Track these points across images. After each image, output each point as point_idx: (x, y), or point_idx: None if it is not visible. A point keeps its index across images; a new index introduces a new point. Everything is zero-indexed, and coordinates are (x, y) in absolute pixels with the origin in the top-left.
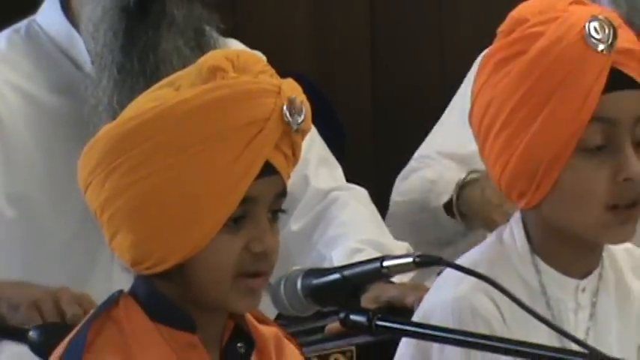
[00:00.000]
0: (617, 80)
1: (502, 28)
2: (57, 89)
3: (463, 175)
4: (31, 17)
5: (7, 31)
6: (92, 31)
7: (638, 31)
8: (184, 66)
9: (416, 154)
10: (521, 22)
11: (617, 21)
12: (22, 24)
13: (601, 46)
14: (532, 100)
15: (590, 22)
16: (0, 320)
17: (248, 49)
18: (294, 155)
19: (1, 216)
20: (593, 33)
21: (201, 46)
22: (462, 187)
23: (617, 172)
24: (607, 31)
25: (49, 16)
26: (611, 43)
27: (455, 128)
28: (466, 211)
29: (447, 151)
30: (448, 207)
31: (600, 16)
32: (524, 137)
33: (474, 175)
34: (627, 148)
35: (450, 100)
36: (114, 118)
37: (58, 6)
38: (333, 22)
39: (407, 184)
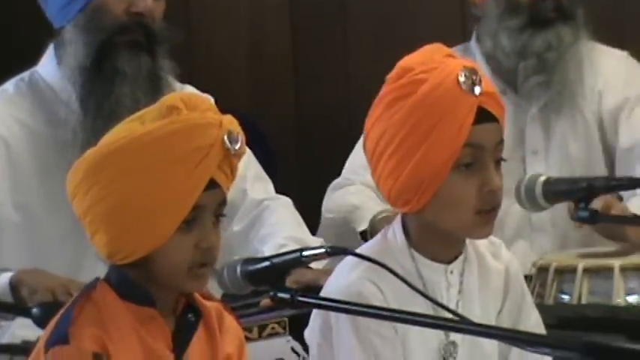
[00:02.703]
0: (482, 116)
1: (391, 75)
2: (51, 123)
3: (379, 209)
4: (33, 69)
5: (14, 79)
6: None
7: (499, 64)
8: (139, 108)
9: (345, 168)
10: (408, 71)
11: (481, 71)
12: (26, 73)
13: (470, 90)
14: (418, 131)
15: (462, 71)
16: (21, 301)
17: (199, 93)
18: (232, 173)
19: (10, 220)
20: (464, 80)
21: (156, 90)
22: (374, 222)
23: (483, 185)
24: (474, 78)
25: (47, 67)
26: (478, 87)
27: None
28: None
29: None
30: (364, 233)
31: (469, 67)
32: (412, 159)
33: (385, 214)
34: (490, 166)
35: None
36: (83, 147)
37: (54, 60)
38: (263, 63)
39: (335, 202)
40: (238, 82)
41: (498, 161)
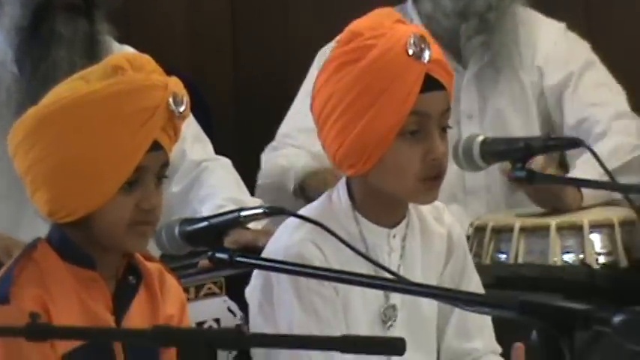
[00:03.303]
0: (429, 84)
1: (340, 38)
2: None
3: (304, 164)
4: None
5: None
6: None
7: (438, 26)
8: (75, 72)
9: (278, 132)
10: (357, 35)
11: (430, 38)
12: None
13: (419, 57)
14: (365, 97)
15: (411, 38)
16: None
17: (138, 53)
18: (175, 135)
19: None
20: (413, 47)
21: (93, 54)
22: (303, 176)
23: (428, 153)
24: (423, 45)
25: None
26: (426, 55)
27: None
28: (313, 196)
29: (302, 127)
30: (295, 192)
31: (418, 34)
32: (358, 124)
33: (309, 169)
34: (435, 135)
35: (294, 88)
36: (17, 108)
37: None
38: (202, 24)
39: (266, 167)
40: (176, 41)
41: (444, 129)
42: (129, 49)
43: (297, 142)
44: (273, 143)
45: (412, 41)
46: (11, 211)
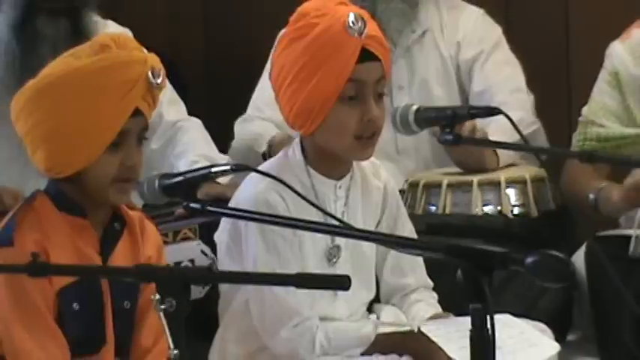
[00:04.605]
0: (365, 55)
1: (292, 18)
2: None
3: (274, 134)
4: None
5: None
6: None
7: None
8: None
9: (249, 105)
10: (304, 15)
11: (367, 16)
12: None
13: (356, 33)
14: (309, 67)
15: (349, 17)
16: None
17: (120, 27)
18: (154, 103)
19: None
20: (350, 25)
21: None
22: (271, 144)
23: (364, 115)
24: (360, 23)
25: None
26: (363, 31)
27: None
28: None
29: (269, 100)
30: (264, 155)
31: (356, 13)
32: (305, 90)
33: (278, 138)
34: (370, 99)
35: (259, 63)
36: (9, 91)
37: None
38: (178, 6)
39: (239, 133)
40: (155, 21)
41: (380, 95)
42: (112, 24)
43: (264, 115)
44: (245, 115)
45: (350, 20)
46: (17, 176)
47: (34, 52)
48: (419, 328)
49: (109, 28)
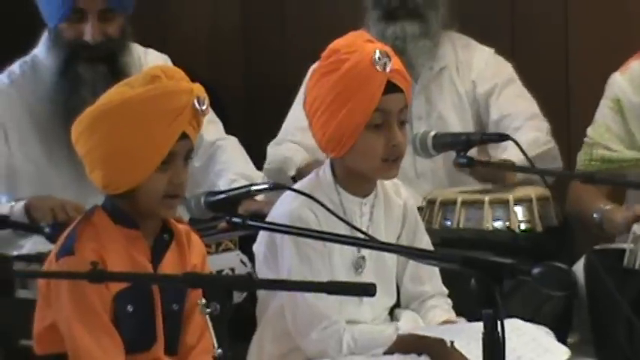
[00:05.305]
0: (390, 87)
1: (324, 53)
2: (47, 99)
3: (303, 158)
4: (34, 52)
5: (19, 62)
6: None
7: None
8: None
9: (281, 130)
10: (335, 51)
11: (391, 52)
12: (29, 56)
13: (381, 68)
14: (340, 98)
15: (375, 53)
16: (34, 221)
17: (160, 55)
18: (198, 127)
19: (25, 170)
20: (377, 60)
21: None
22: (301, 168)
23: (389, 140)
24: (385, 59)
25: (42, 51)
26: (387, 66)
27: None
28: None
29: (299, 126)
30: (293, 177)
31: (381, 50)
32: (336, 119)
33: (307, 162)
34: (394, 127)
35: (292, 92)
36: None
37: (47, 45)
38: (219, 41)
39: (271, 156)
40: (198, 53)
41: (402, 122)
42: (152, 52)
43: (295, 139)
44: (277, 139)
45: (377, 56)
46: (77, 189)
47: (77, 93)
48: (452, 343)
49: (149, 56)
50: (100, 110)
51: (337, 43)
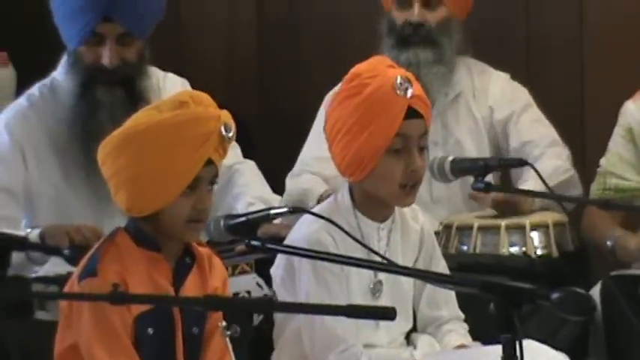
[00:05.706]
0: (411, 113)
1: (346, 78)
2: (66, 121)
3: (322, 191)
4: (53, 74)
5: (38, 85)
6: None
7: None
8: (117, 127)
9: (298, 160)
10: (357, 76)
11: (412, 78)
12: (47, 79)
13: (403, 93)
14: (361, 122)
15: (397, 79)
16: (55, 245)
17: (179, 78)
18: (224, 153)
19: (44, 193)
20: (398, 86)
21: (133, 110)
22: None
23: (408, 165)
24: (406, 84)
25: (61, 74)
26: (409, 91)
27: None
28: None
29: (316, 155)
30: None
31: (403, 76)
32: (356, 143)
33: (326, 193)
34: (414, 152)
35: (307, 117)
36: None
37: (66, 68)
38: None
39: (290, 189)
40: (215, 79)
41: (422, 148)
42: (171, 76)
43: (313, 169)
44: (294, 171)
45: (398, 81)
46: (95, 212)
47: (95, 117)
48: None
49: (168, 80)
50: (128, 133)
51: (359, 68)
